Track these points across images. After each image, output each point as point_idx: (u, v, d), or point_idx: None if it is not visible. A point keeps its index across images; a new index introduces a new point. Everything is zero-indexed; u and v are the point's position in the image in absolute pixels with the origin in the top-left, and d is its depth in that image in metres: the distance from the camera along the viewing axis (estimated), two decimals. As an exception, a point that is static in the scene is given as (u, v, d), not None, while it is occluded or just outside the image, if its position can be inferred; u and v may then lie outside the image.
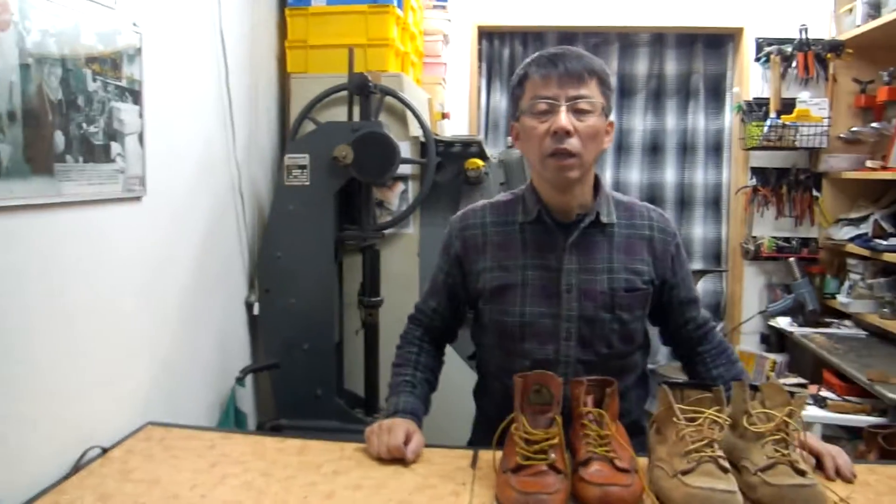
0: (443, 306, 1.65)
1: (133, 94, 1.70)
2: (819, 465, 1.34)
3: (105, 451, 1.49)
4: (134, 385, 1.75)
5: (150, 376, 1.84)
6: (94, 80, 1.53)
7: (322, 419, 2.37)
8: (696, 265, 4.03)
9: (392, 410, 1.50)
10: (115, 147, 1.62)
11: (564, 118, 1.39)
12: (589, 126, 1.41)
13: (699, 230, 4.09)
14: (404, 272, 2.70)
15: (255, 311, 2.50)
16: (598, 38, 4.07)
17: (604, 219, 1.50)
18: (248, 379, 2.42)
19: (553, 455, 1.18)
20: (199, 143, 2.16)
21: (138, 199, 1.76)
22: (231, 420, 2.29)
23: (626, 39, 4.09)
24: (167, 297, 1.95)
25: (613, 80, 4.00)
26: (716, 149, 4.09)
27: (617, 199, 1.57)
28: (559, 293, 1.48)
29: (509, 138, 2.98)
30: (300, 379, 2.40)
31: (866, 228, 3.42)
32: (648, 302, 1.55)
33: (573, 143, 1.40)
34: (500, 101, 4.09)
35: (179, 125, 2.01)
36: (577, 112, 1.41)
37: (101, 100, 1.55)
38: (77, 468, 1.41)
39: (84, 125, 1.49)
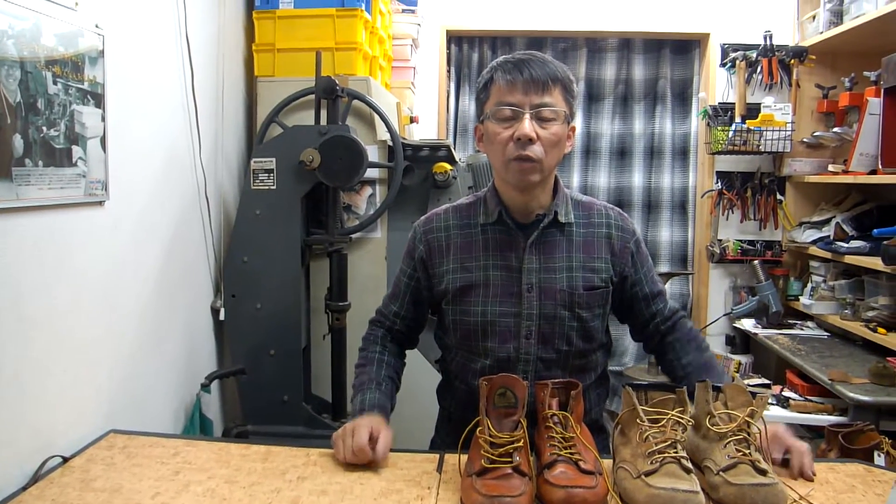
0: (405, 310, 1.66)
1: (95, 96, 1.67)
2: (786, 462, 1.36)
3: (66, 459, 1.46)
4: (96, 392, 1.73)
5: (113, 383, 1.81)
6: (55, 82, 1.50)
7: (289, 425, 2.36)
8: (663, 268, 4.08)
9: (358, 409, 1.50)
10: (76, 151, 1.59)
11: (528, 126, 1.41)
12: (551, 133, 1.44)
13: (666, 233, 4.13)
14: (372, 276, 2.70)
15: (222, 316, 2.48)
16: (566, 43, 4.10)
17: (562, 218, 1.54)
18: (215, 385, 2.40)
19: (518, 458, 1.19)
20: (164, 146, 2.13)
21: (101, 203, 1.74)
22: (196, 427, 2.27)
23: (593, 44, 4.12)
24: (131, 303, 1.92)
25: (581, 85, 4.04)
26: (682, 153, 4.14)
27: (576, 199, 1.61)
28: (520, 292, 1.51)
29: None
30: (267, 385, 2.38)
31: (828, 231, 3.48)
32: (608, 300, 1.58)
33: (536, 150, 1.43)
34: (469, 105, 4.09)
35: (143, 129, 1.99)
36: (541, 119, 1.43)
37: (62, 103, 1.53)
38: (36, 478, 1.38)
39: (44, 128, 1.47)
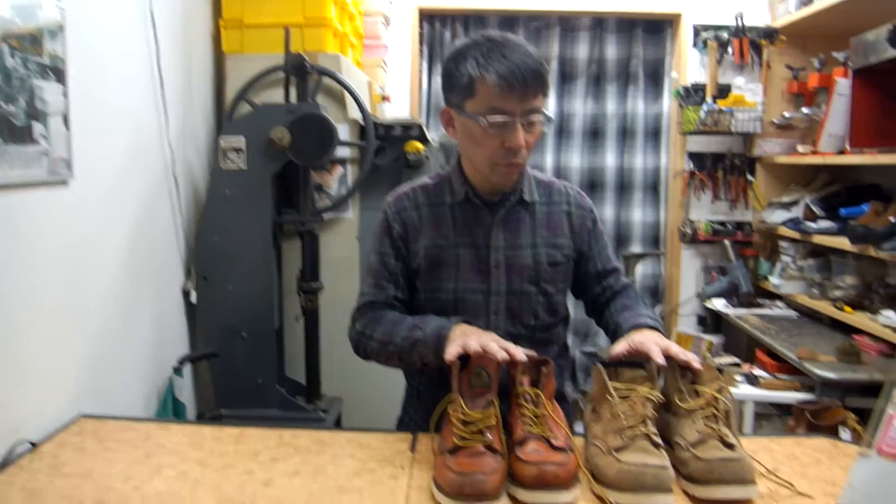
0: (403, 293, 1.58)
1: (56, 72, 1.63)
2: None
3: (35, 445, 1.44)
4: (64, 377, 1.70)
5: (82, 368, 1.79)
6: (13, 56, 1.46)
7: (263, 408, 2.35)
8: (635, 248, 4.10)
9: (438, 328, 1.40)
10: (37, 127, 1.55)
11: (522, 137, 1.41)
12: (535, 135, 1.46)
13: (638, 214, 4.15)
14: (344, 257, 2.68)
15: (193, 298, 2.45)
16: (539, 22, 4.08)
17: (527, 197, 1.56)
18: (187, 369, 2.38)
19: (490, 436, 1.19)
20: (130, 124, 2.10)
21: (64, 182, 1.70)
22: (169, 411, 2.25)
23: (566, 23, 4.10)
24: (98, 285, 1.89)
25: (554, 65, 4.05)
26: (654, 133, 4.15)
27: (538, 179, 1.63)
28: (488, 269, 1.52)
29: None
30: (240, 367, 2.37)
31: (797, 212, 3.52)
32: (570, 275, 1.62)
33: (523, 155, 1.45)
34: (442, 84, 4.06)
35: (108, 106, 1.95)
36: (528, 124, 1.43)
37: (21, 77, 1.49)
38: (5, 464, 1.36)
39: (2, 104, 1.43)
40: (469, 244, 1.53)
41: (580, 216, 1.62)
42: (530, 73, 1.39)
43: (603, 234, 1.67)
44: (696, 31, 3.89)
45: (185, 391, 2.38)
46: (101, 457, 1.38)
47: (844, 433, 2.26)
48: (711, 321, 3.89)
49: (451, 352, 1.30)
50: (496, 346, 1.29)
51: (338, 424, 2.53)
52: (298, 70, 2.39)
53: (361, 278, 1.65)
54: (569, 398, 1.73)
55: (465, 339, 1.32)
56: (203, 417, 2.36)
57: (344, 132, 2.56)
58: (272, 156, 2.33)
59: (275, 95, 2.59)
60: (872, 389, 2.51)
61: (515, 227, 1.55)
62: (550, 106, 4.00)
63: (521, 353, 1.30)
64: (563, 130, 4.15)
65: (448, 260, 1.53)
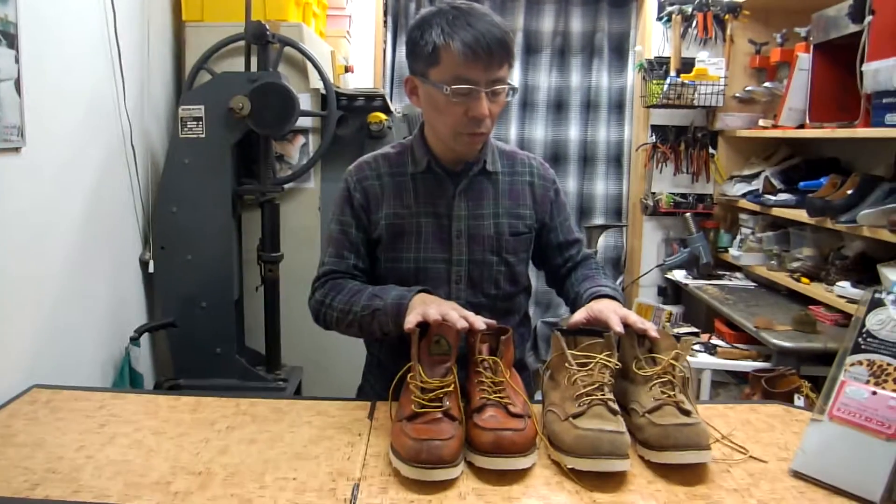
0: (364, 262, 1.57)
1: (7, 36, 1.58)
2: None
3: (-16, 415, 1.41)
4: (17, 348, 1.67)
5: (37, 338, 1.76)
6: (-41, 18, 1.42)
7: (222, 378, 2.34)
8: (598, 220, 4.13)
9: (398, 297, 1.40)
10: (-14, 92, 1.51)
11: (486, 107, 1.41)
12: (499, 105, 1.45)
13: (601, 186, 4.17)
14: (305, 227, 2.66)
15: (151, 268, 2.42)
16: (505, -6, 4.06)
17: (489, 167, 1.56)
18: (145, 339, 2.35)
19: (448, 402, 1.19)
20: (85, 91, 2.05)
21: (17, 150, 1.66)
22: (126, 381, 2.22)
23: (532, -5, 4.08)
24: (52, 254, 1.86)
25: (519, 37, 4.03)
26: (618, 107, 4.16)
27: (501, 149, 1.63)
28: (450, 239, 1.52)
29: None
30: (199, 337, 2.35)
31: (757, 185, 3.56)
32: (531, 245, 1.63)
33: (487, 125, 1.44)
34: (407, 55, 4.02)
35: (62, 72, 1.90)
36: (493, 94, 1.42)
37: (-31, 41, 1.45)
38: (-46, 434, 1.33)
39: (-52, 67, 1.39)
40: (431, 214, 1.53)
41: (543, 187, 1.62)
42: (496, 42, 1.38)
43: (566, 205, 1.68)
44: (661, 4, 3.89)
45: (143, 362, 2.35)
46: (54, 426, 1.36)
47: (799, 401, 2.31)
48: (672, 292, 3.94)
49: (411, 320, 1.29)
50: (456, 314, 1.29)
51: (298, 394, 2.52)
52: (259, 38, 2.35)
53: (322, 248, 1.63)
54: (530, 368, 1.75)
55: (424, 307, 1.32)
56: (161, 387, 2.34)
57: (306, 102, 2.53)
58: (232, 125, 2.29)
59: (236, 65, 2.55)
60: (827, 358, 2.56)
61: (478, 196, 1.55)
62: (515, 78, 3.98)
63: (480, 321, 1.30)
64: (526, 103, 4.15)
65: (409, 229, 1.53)
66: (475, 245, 1.53)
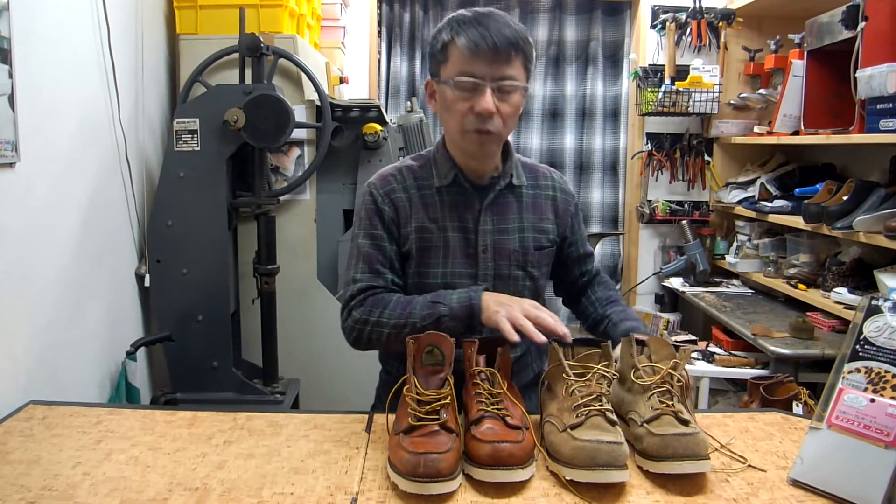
0: (398, 277, 1.53)
1: (1, 52, 1.58)
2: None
3: (-20, 433, 1.40)
4: (12, 364, 1.66)
5: (32, 354, 1.75)
6: (-47, 35, 1.42)
7: (219, 391, 2.33)
8: (595, 228, 4.13)
9: (464, 298, 1.40)
10: (-20, 108, 1.51)
11: (490, 101, 1.40)
12: (511, 105, 1.44)
13: (597, 194, 4.18)
14: (301, 239, 2.66)
15: (147, 282, 2.40)
16: (499, 3, 4.06)
17: (515, 181, 1.56)
18: (141, 353, 2.34)
19: (445, 415, 1.18)
20: (79, 106, 2.04)
21: (11, 165, 1.65)
22: (122, 396, 2.21)
23: (527, 5, 4.10)
24: (48, 270, 1.85)
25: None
26: (613, 114, 4.18)
27: (523, 162, 1.63)
28: (476, 253, 1.52)
29: (408, 102, 2.96)
30: (196, 351, 2.33)
31: (753, 191, 3.57)
32: (552, 258, 1.64)
33: (495, 123, 1.43)
34: (401, 66, 4.03)
35: (56, 87, 1.90)
36: (501, 91, 1.41)
37: (-38, 57, 1.45)
38: (-51, 451, 1.32)
39: (-58, 84, 1.39)
40: (458, 228, 1.52)
41: (564, 201, 1.64)
42: (503, 39, 1.38)
43: (582, 219, 1.70)
44: (655, 12, 3.91)
45: (140, 376, 2.34)
46: (50, 443, 1.35)
47: (797, 408, 2.30)
48: (669, 299, 3.95)
49: (506, 329, 1.29)
50: (545, 314, 1.31)
51: (295, 406, 2.51)
52: (253, 51, 2.34)
53: (348, 264, 1.54)
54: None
55: (507, 309, 1.32)
56: (157, 402, 2.32)
57: (300, 113, 2.53)
58: (227, 138, 2.29)
59: (230, 77, 2.54)
60: (825, 364, 2.57)
61: (503, 211, 1.55)
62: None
63: (562, 327, 1.32)
64: (522, 112, 4.13)
65: (437, 243, 1.51)
66: (500, 259, 1.53)
